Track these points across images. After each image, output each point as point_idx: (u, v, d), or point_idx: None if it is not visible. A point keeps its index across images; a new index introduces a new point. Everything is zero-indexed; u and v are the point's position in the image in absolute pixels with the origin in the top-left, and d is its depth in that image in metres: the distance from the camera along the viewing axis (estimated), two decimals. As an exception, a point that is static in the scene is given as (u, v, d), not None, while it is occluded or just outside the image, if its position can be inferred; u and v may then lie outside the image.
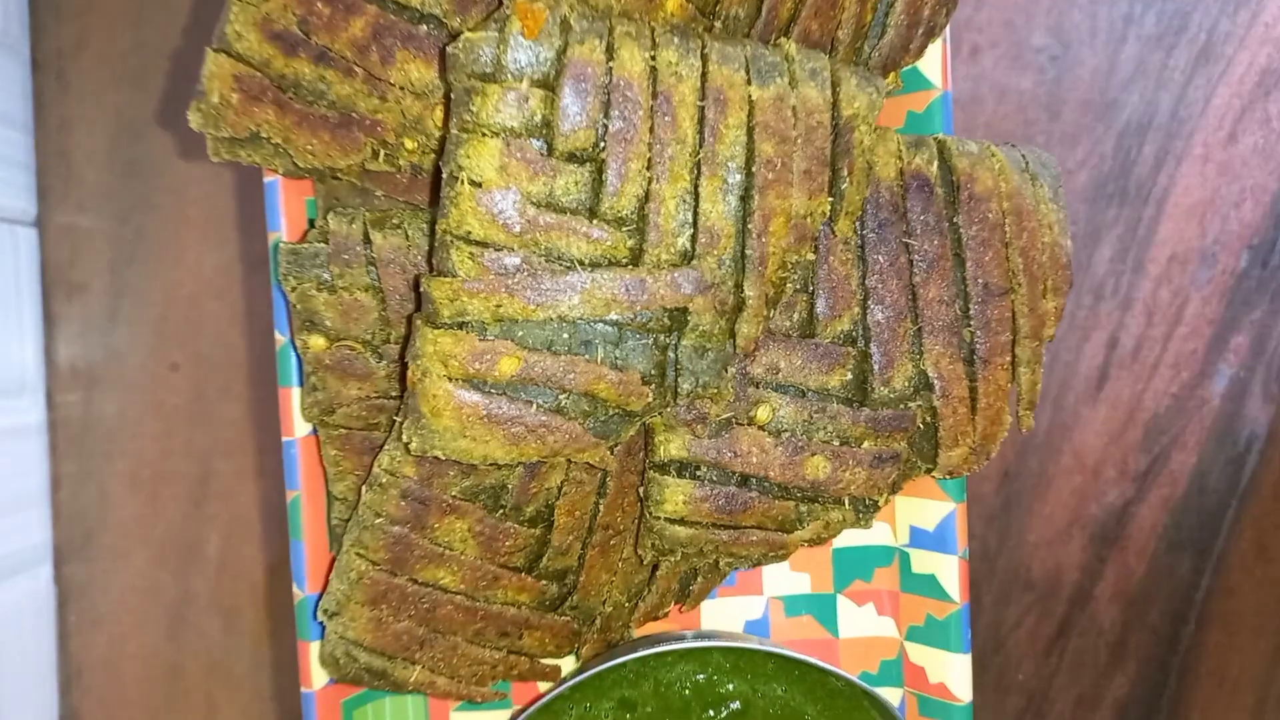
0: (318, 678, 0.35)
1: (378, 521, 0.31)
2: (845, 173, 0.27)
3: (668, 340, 0.27)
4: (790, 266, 0.27)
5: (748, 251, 0.26)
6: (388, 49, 0.29)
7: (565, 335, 0.26)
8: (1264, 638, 0.57)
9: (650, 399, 0.27)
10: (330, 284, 0.30)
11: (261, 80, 0.29)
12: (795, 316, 0.29)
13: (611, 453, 0.28)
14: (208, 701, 0.56)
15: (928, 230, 0.29)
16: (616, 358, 0.27)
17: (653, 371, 0.27)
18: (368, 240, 0.30)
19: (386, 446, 0.31)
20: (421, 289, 0.27)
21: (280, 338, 0.33)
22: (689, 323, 0.26)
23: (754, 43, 0.27)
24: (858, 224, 0.29)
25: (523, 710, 0.33)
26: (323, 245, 0.30)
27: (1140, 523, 0.57)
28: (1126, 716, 0.57)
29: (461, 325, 0.26)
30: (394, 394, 0.31)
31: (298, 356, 0.32)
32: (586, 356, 0.26)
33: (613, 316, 0.26)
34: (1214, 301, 0.56)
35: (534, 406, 0.27)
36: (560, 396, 0.26)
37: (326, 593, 0.34)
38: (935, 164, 0.30)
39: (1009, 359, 0.31)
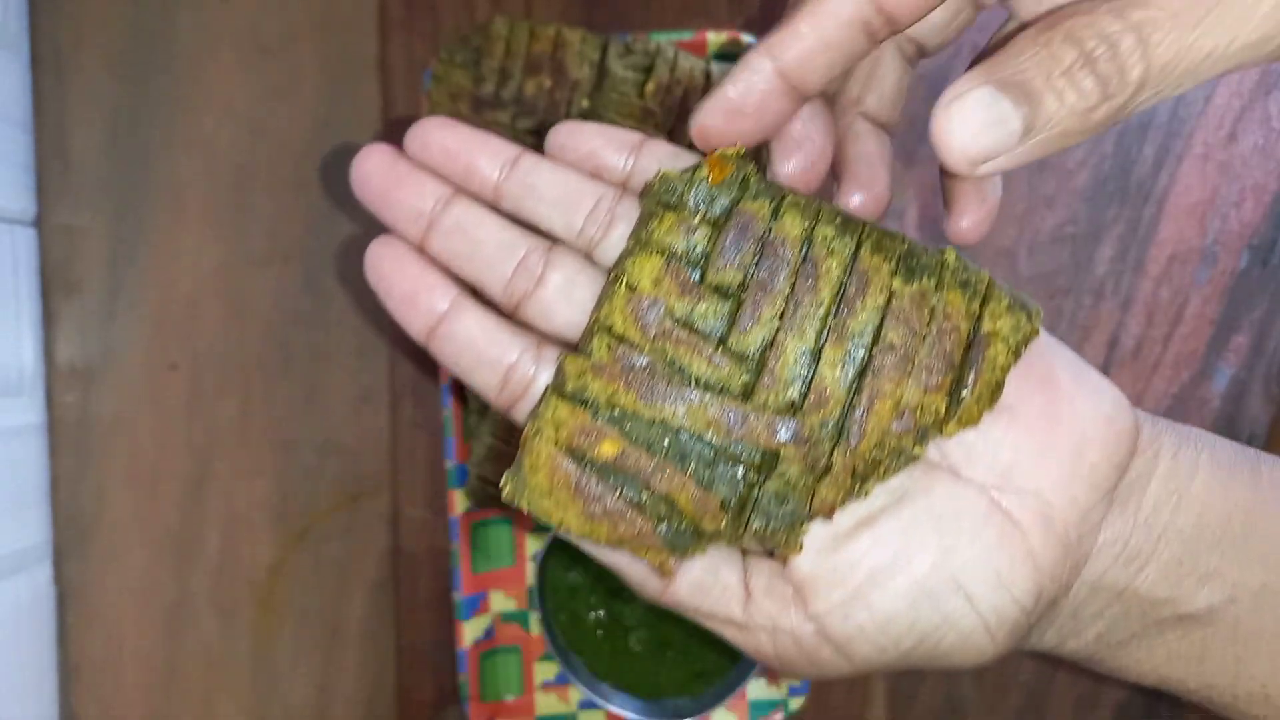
0: (460, 505, 0.54)
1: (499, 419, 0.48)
2: (970, 384, 0.29)
3: (755, 478, 0.30)
4: (890, 450, 0.29)
5: (848, 423, 0.29)
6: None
7: (666, 441, 0.30)
8: (1264, 638, 0.57)
9: (722, 525, 0.31)
10: None
11: None
12: None
13: (671, 561, 0.31)
14: (206, 700, 0.56)
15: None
16: (704, 477, 0.29)
17: (733, 501, 0.30)
18: None
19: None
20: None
21: None
22: (778, 468, 0.29)
23: (915, 242, 0.30)
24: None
25: None
26: None
27: (1140, 522, 0.56)
28: (1126, 717, 0.57)
29: (581, 402, 0.30)
30: None
31: None
32: (679, 465, 0.30)
33: (711, 438, 0.29)
34: (1214, 301, 0.56)
35: (617, 493, 0.30)
36: (643, 492, 0.30)
37: (473, 453, 0.51)
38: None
39: None
